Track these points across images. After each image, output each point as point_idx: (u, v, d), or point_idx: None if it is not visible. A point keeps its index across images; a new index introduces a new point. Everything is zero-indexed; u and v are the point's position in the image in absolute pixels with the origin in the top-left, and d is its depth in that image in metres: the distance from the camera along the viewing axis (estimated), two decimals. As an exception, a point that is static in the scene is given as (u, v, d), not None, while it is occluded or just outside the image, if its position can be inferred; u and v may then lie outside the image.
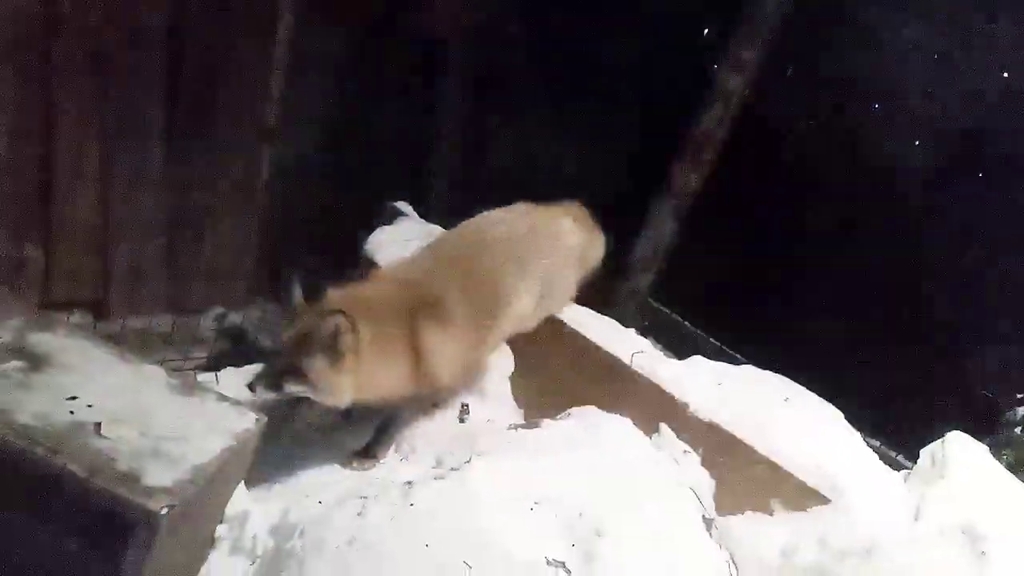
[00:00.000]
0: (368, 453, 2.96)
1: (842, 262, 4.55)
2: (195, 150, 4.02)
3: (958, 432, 2.91)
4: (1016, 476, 3.03)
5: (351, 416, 3.11)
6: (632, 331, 3.55)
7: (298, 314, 2.62)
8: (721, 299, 5.06)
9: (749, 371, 3.30)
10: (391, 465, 3.00)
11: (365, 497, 2.53)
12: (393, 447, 3.07)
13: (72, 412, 2.13)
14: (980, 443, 2.97)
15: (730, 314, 4.90)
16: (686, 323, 5.41)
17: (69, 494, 2.03)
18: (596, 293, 4.27)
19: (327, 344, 2.52)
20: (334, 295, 2.68)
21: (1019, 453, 3.46)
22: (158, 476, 2.03)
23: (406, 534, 2.40)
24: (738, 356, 4.47)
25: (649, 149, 5.23)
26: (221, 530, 2.45)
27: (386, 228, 3.73)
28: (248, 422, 2.37)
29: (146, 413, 2.23)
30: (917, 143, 4.36)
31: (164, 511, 1.95)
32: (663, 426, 3.10)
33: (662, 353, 3.49)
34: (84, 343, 2.42)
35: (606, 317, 3.55)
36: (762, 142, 4.98)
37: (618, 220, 5.18)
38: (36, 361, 2.29)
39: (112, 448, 2.07)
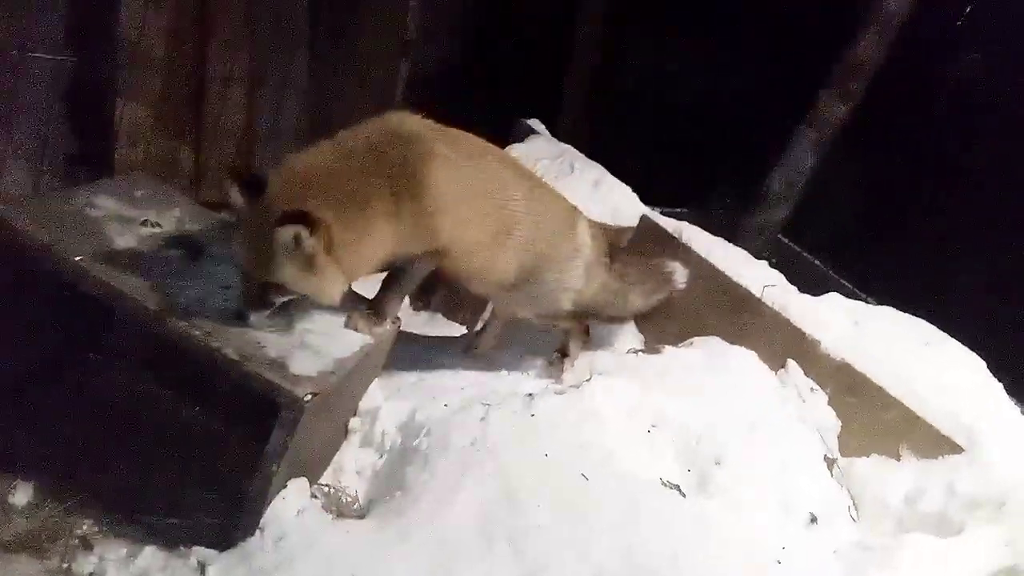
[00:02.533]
0: (377, 311, 2.52)
1: (994, 206, 4.25)
2: (338, 60, 4.11)
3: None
4: None
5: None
6: (764, 263, 3.45)
7: (246, 220, 2.22)
8: (858, 239, 4.84)
9: (887, 312, 3.17)
10: (515, 378, 3.06)
11: (488, 404, 2.61)
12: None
13: (227, 300, 2.28)
14: None
15: (867, 254, 4.70)
16: (817, 262, 5.21)
17: (222, 376, 2.19)
18: (724, 224, 4.16)
19: (290, 251, 2.14)
20: (277, 183, 2.23)
21: None
22: (304, 365, 2.16)
23: (527, 442, 2.47)
24: (868, 299, 4.29)
25: (795, 75, 4.98)
26: (354, 423, 2.59)
27: (517, 146, 3.73)
28: (385, 323, 2.48)
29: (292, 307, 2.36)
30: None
31: (308, 397, 2.07)
32: (791, 362, 3.03)
33: (795, 288, 3.38)
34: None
35: (736, 247, 3.46)
36: (919, 72, 4.65)
37: (754, 150, 5.00)
38: (194, 250, 2.45)
39: (263, 337, 2.21)
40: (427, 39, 4.42)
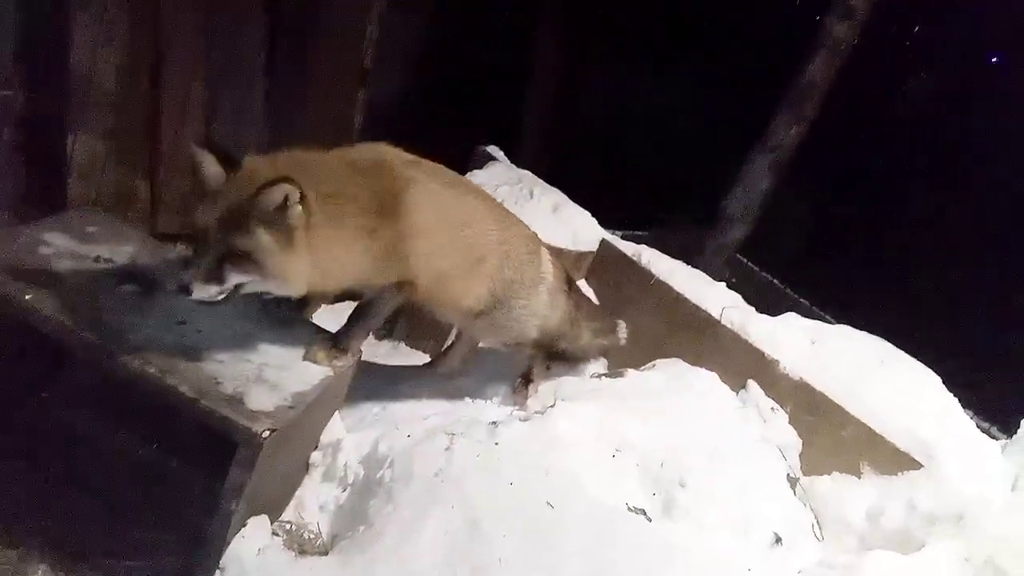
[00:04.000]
0: (339, 344, 2.44)
1: (947, 225, 4.36)
2: (295, 91, 4.09)
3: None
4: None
5: (307, 306, 2.65)
6: (722, 285, 3.49)
7: (220, 189, 2.11)
8: (814, 257, 4.93)
9: (844, 331, 3.22)
10: (479, 405, 3.05)
11: (452, 434, 2.59)
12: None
13: (182, 336, 2.24)
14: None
15: (823, 273, 4.79)
16: (775, 281, 5.30)
17: (177, 413, 2.14)
18: (682, 246, 4.20)
19: (270, 218, 2.07)
20: (263, 160, 2.19)
21: None
22: (261, 400, 2.12)
23: (492, 471, 2.46)
24: (826, 316, 4.36)
25: (750, 99, 5.09)
26: (315, 457, 2.55)
27: (477, 172, 3.74)
28: (344, 355, 2.45)
29: (250, 340, 2.33)
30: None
31: (266, 434, 2.04)
32: (751, 382, 3.07)
33: (753, 309, 3.43)
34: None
35: (696, 269, 3.50)
36: (867, 95, 4.78)
37: (712, 172, 5.08)
38: (148, 285, 2.41)
39: (219, 372, 2.17)
40: (385, 68, 4.42)
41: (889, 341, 3.23)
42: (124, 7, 3.58)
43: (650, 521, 2.55)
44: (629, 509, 2.57)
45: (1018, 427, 2.95)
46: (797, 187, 5.10)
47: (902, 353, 3.08)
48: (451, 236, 2.57)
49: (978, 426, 3.54)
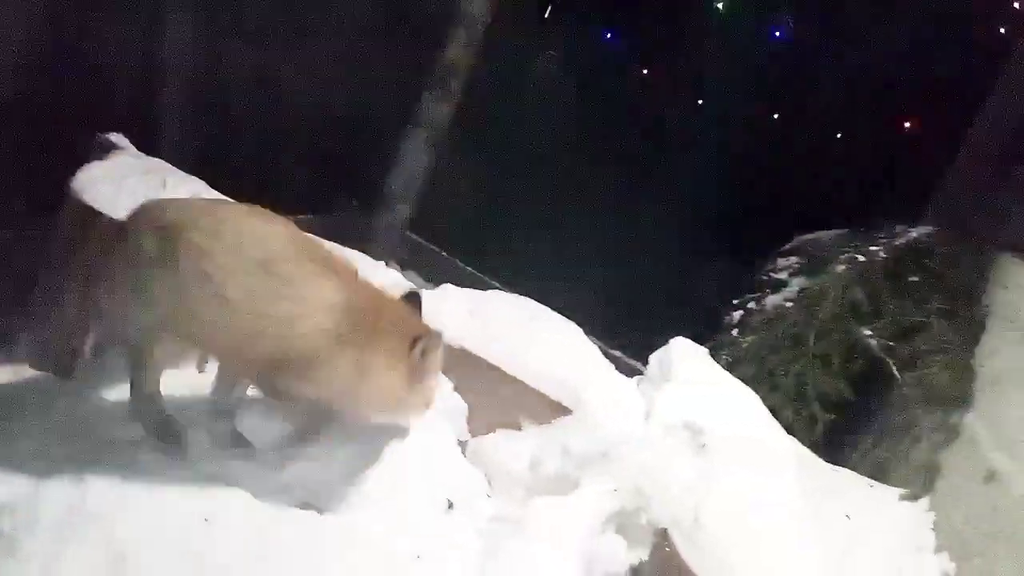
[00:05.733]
0: None
1: (583, 187, 4.80)
2: None
3: (681, 338, 3.17)
4: (734, 373, 3.38)
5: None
6: (382, 263, 3.48)
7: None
8: (474, 228, 5.16)
9: (497, 295, 3.38)
10: (116, 424, 2.72)
11: (84, 462, 2.28)
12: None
13: None
14: (702, 346, 3.27)
15: (483, 242, 5.02)
16: (443, 253, 5.46)
17: None
18: (353, 228, 4.13)
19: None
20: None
21: (735, 352, 3.87)
22: None
23: (135, 496, 2.21)
24: (495, 283, 4.58)
25: (402, 77, 5.14)
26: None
27: (99, 164, 3.31)
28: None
29: None
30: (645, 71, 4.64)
31: None
32: (416, 355, 3.09)
33: (415, 284, 3.46)
34: None
35: (351, 249, 3.43)
36: (507, 71, 5.06)
37: (373, 153, 5.07)
38: None
39: None
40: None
41: (543, 300, 3.44)
42: None
43: (321, 514, 2.46)
44: (301, 506, 2.47)
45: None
46: (458, 163, 5.28)
47: (548, 310, 3.29)
48: None
49: (628, 365, 3.97)
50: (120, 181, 3.14)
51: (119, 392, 2.79)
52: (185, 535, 2.15)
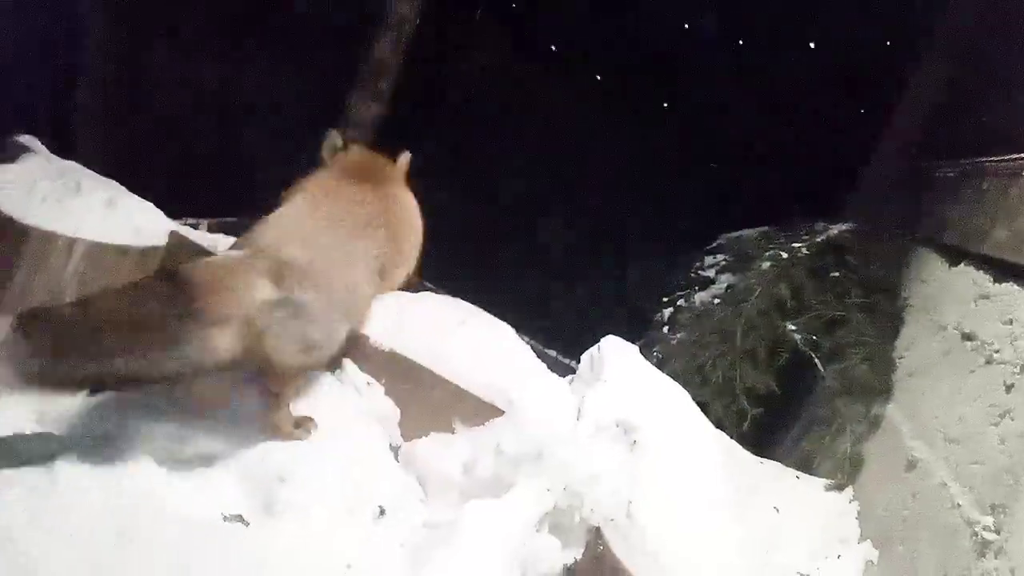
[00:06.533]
0: None
1: (513, 187, 4.80)
2: None
3: (611, 336, 3.20)
4: (664, 370, 3.42)
5: None
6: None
7: None
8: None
9: (426, 298, 3.34)
10: (35, 440, 2.60)
11: (-3, 481, 2.17)
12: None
13: None
14: (632, 344, 3.30)
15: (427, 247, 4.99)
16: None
17: None
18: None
19: None
20: None
21: (666, 349, 3.92)
22: None
23: (49, 516, 2.11)
24: (426, 284, 4.54)
25: (328, 77, 5.05)
26: None
27: (9, 167, 3.17)
28: None
29: None
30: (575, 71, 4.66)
31: None
32: (346, 360, 3.04)
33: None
34: None
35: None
36: (433, 71, 5.03)
37: (294, 154, 4.96)
38: None
39: None
40: None
41: (474, 301, 3.43)
42: None
43: (248, 525, 2.39)
44: (225, 519, 2.40)
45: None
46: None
47: (480, 310, 3.29)
48: None
49: (562, 364, 3.99)
50: (32, 185, 3.01)
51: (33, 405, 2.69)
52: (103, 555, 2.06)
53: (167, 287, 2.23)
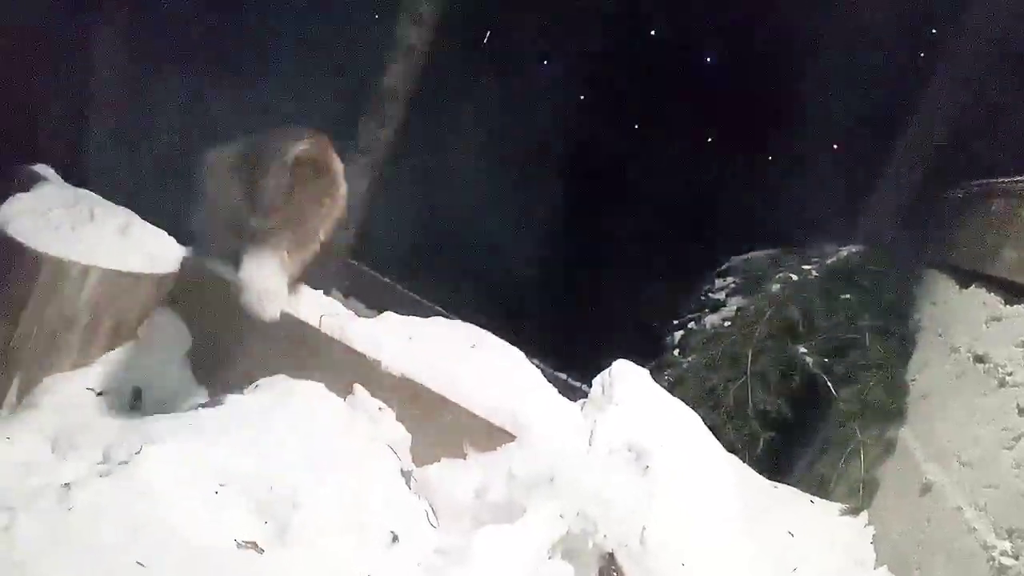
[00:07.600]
0: None
1: (525, 212, 4.83)
2: None
3: (623, 360, 3.20)
4: (675, 393, 3.41)
5: None
6: (319, 292, 3.43)
7: None
8: (415, 253, 5.14)
9: (438, 322, 3.35)
10: (49, 466, 2.63)
11: (12, 508, 2.18)
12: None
13: None
14: (643, 368, 3.29)
15: (424, 267, 5.01)
16: (386, 279, 5.42)
17: None
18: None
19: None
20: None
21: (677, 372, 3.92)
22: None
23: (65, 544, 2.11)
24: (437, 307, 4.56)
25: (339, 104, 5.11)
26: None
27: (23, 196, 3.20)
28: None
29: None
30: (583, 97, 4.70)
31: None
32: (356, 386, 3.05)
33: (354, 312, 3.42)
34: None
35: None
36: (443, 97, 5.08)
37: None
38: None
39: None
40: None
41: (485, 325, 3.44)
42: None
43: (262, 552, 2.39)
44: (238, 546, 2.39)
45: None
46: (393, 188, 5.27)
47: (490, 334, 3.29)
48: None
49: (574, 388, 3.98)
50: (46, 212, 3.05)
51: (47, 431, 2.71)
52: (116, 581, 2.07)
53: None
